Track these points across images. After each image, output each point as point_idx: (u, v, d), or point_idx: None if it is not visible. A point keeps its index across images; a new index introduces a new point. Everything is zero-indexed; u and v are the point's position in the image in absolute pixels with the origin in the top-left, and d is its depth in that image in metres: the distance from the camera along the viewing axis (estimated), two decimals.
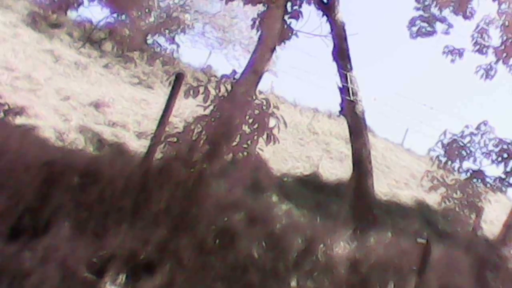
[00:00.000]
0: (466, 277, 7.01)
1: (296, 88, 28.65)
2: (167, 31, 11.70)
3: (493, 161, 9.87)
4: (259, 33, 9.76)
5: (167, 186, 5.70)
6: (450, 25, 11.74)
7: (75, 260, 4.97)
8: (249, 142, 6.33)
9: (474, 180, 9.77)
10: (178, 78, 6.67)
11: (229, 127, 6.20)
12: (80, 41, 14.26)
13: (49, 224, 5.21)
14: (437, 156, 9.88)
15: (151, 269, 5.30)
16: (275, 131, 6.43)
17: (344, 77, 9.85)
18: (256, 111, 6.41)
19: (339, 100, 9.95)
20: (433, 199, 11.25)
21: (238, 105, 6.31)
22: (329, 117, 16.51)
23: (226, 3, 10.41)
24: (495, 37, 11.54)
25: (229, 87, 6.45)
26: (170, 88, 6.72)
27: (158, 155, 6.24)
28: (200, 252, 5.56)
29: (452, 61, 11.91)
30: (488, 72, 11.60)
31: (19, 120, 8.65)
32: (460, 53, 11.86)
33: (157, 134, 6.39)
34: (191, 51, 28.60)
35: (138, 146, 9.21)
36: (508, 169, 9.82)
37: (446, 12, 11.57)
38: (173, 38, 11.65)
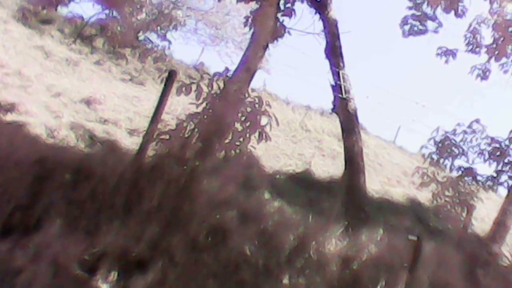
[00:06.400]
0: (457, 273, 7.05)
1: (288, 85, 28.72)
2: (159, 27, 11.66)
3: (485, 160, 9.93)
4: (251, 30, 9.75)
5: (159, 184, 5.68)
6: (440, 24, 11.78)
7: (67, 257, 4.95)
8: (241, 139, 6.33)
9: (466, 178, 9.82)
10: (171, 75, 6.63)
11: (222, 124, 6.20)
12: (71, 38, 14.17)
13: (40, 222, 5.18)
14: (429, 153, 9.93)
15: (143, 266, 5.28)
16: (267, 129, 6.44)
17: (336, 74, 9.87)
18: (249, 109, 6.42)
19: (331, 97, 9.97)
20: (424, 197, 11.31)
21: (231, 102, 6.31)
22: (321, 115, 16.57)
23: (219, 0, 10.41)
24: (487, 36, 11.63)
25: (221, 85, 6.45)
26: (162, 85, 6.68)
27: (150, 152, 6.21)
28: (192, 249, 5.55)
29: (446, 62, 11.97)
30: (484, 73, 11.67)
31: (9, 117, 8.61)
32: (453, 54, 11.92)
33: (149, 131, 6.35)
34: (183, 48, 28.57)
35: (130, 143, 9.16)
36: (499, 168, 9.87)
37: (438, 11, 11.62)
38: (165, 35, 11.61)
